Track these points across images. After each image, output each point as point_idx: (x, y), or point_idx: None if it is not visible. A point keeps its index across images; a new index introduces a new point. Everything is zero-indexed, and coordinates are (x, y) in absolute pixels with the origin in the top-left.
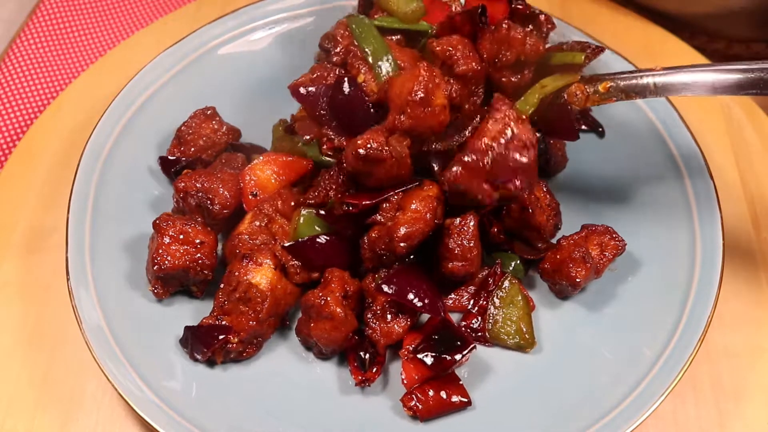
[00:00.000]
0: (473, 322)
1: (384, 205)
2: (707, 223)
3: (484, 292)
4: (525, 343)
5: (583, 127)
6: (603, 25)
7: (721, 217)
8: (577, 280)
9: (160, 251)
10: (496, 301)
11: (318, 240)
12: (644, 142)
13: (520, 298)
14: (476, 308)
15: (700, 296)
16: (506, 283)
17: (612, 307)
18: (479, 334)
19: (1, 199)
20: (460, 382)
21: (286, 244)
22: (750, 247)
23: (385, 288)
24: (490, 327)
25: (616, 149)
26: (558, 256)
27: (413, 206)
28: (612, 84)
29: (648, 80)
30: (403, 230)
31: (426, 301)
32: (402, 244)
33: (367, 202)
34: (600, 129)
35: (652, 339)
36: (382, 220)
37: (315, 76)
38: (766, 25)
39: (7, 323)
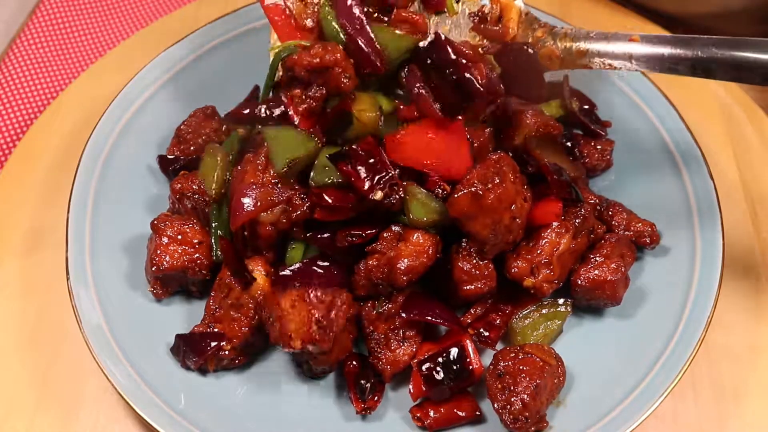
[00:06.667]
0: (482, 330)
1: (384, 234)
2: (707, 223)
3: (507, 307)
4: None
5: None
6: (603, 25)
7: (721, 217)
8: (622, 297)
9: (159, 252)
10: (542, 309)
11: (312, 268)
12: (644, 141)
13: (556, 326)
14: (496, 319)
15: (700, 296)
16: (562, 306)
17: (612, 307)
18: (488, 341)
19: (1, 199)
20: (470, 394)
21: (280, 273)
22: (750, 247)
23: (404, 314)
24: (515, 320)
25: (615, 149)
26: (597, 273)
27: (415, 238)
28: (588, 47)
29: (624, 49)
30: (405, 262)
31: (446, 315)
32: (404, 277)
33: (371, 232)
34: (601, 130)
35: (652, 339)
36: (382, 249)
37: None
38: (766, 24)
39: (7, 323)
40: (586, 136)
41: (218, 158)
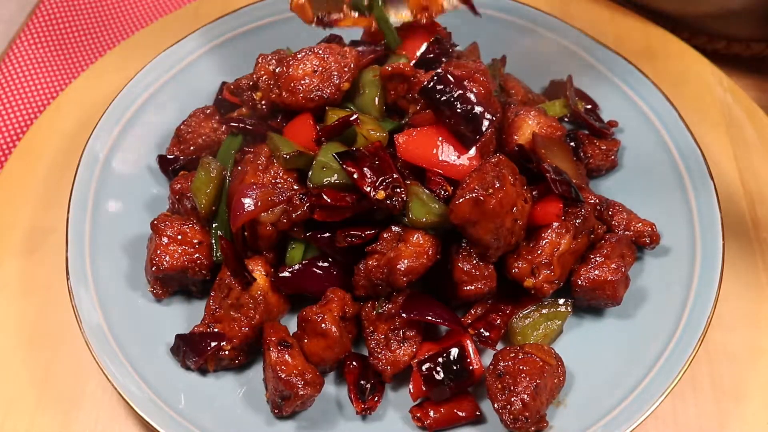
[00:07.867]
0: (482, 330)
1: (384, 235)
2: (707, 222)
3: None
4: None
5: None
6: (603, 25)
7: (721, 217)
8: (622, 297)
9: (158, 252)
10: (543, 309)
11: (311, 269)
12: (644, 141)
13: (556, 326)
14: (496, 319)
15: (700, 296)
16: (562, 306)
17: (612, 307)
18: (488, 341)
19: (1, 199)
20: (470, 394)
21: (279, 275)
22: (750, 247)
23: (404, 314)
24: (515, 320)
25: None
26: (597, 273)
27: (415, 239)
28: None
29: None
30: (405, 263)
31: (446, 315)
32: (403, 278)
33: (371, 232)
34: (604, 130)
35: (652, 339)
36: (382, 249)
37: None
38: (766, 25)
39: (7, 323)
40: (592, 136)
41: (213, 174)
